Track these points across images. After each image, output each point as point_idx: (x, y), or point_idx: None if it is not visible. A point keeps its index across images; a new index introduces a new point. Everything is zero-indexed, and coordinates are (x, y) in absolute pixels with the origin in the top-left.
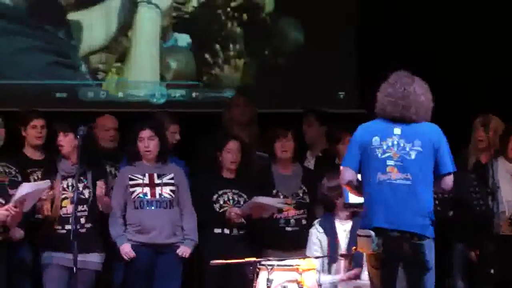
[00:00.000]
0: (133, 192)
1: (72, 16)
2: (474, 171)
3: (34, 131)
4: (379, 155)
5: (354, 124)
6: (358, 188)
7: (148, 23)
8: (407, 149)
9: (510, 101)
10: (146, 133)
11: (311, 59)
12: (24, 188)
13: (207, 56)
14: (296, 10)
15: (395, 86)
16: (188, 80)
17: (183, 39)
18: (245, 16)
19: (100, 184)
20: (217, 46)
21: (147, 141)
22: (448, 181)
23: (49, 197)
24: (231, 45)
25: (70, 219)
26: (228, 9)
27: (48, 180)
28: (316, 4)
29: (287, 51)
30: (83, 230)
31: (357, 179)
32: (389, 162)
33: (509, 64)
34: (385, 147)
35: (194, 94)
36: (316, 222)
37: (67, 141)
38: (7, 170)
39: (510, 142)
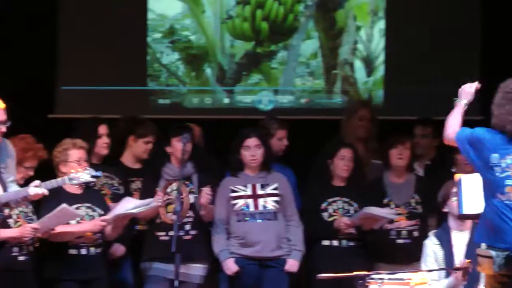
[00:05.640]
0: (236, 204)
1: None
2: None
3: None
4: (498, 173)
5: None
6: None
7: None
8: None
9: None
10: (252, 142)
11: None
12: (128, 205)
13: None
14: None
15: None
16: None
17: None
18: None
19: (206, 190)
20: None
21: (254, 150)
22: None
23: (163, 202)
24: None
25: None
26: None
27: (152, 200)
28: None
29: None
30: (188, 237)
31: None
32: (508, 182)
33: None
34: (504, 165)
35: (302, 101)
36: (431, 233)
37: (179, 146)
38: (109, 182)
39: None
